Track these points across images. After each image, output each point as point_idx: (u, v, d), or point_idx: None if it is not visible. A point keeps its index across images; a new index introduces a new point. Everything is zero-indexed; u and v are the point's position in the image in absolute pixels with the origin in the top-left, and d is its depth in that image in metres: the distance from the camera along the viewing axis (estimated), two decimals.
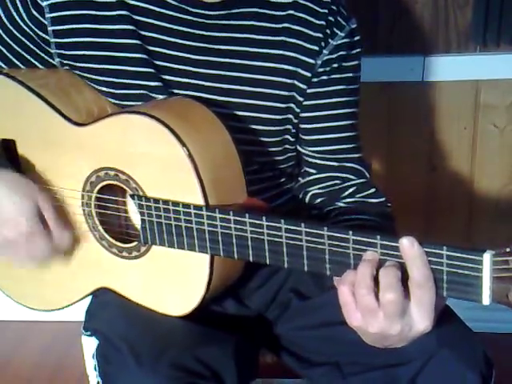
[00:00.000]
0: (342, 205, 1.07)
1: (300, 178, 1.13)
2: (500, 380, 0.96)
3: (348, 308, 0.78)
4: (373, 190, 1.08)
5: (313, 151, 1.08)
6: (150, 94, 1.01)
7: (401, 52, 1.63)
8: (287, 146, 1.08)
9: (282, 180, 1.11)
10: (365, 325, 0.78)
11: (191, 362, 0.91)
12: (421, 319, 0.75)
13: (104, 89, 1.03)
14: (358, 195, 1.07)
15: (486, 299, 0.72)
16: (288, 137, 1.07)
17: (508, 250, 0.69)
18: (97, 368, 1.01)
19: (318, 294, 1.08)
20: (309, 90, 1.03)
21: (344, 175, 1.08)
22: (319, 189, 1.09)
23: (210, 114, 0.95)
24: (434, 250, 0.73)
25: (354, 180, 1.08)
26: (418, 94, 1.68)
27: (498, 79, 1.65)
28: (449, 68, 1.64)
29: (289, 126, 1.06)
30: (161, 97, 1.01)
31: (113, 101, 1.03)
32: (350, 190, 1.07)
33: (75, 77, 1.04)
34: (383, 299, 0.74)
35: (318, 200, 1.09)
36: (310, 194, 1.10)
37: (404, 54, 1.63)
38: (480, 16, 1.56)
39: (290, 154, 1.09)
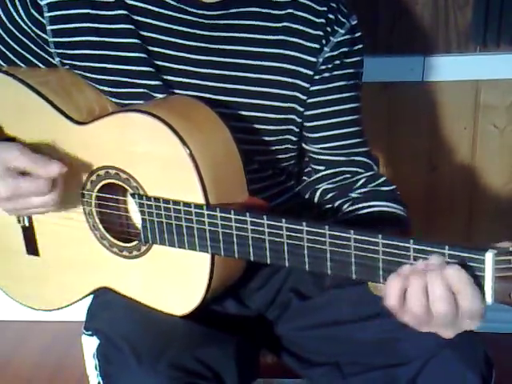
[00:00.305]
0: (355, 195, 1.06)
1: (306, 178, 1.13)
2: (500, 380, 0.96)
3: (396, 312, 0.78)
4: (383, 178, 1.08)
5: (320, 148, 1.07)
6: (151, 93, 1.00)
7: (401, 52, 1.63)
8: (289, 146, 1.07)
9: (283, 178, 1.11)
10: (415, 325, 0.78)
11: (192, 363, 0.91)
12: (470, 325, 0.76)
13: (104, 88, 1.03)
14: (369, 185, 1.07)
15: (488, 299, 0.72)
16: (290, 137, 1.06)
17: (511, 249, 0.69)
18: (97, 368, 1.01)
19: (318, 294, 1.09)
20: (311, 88, 1.03)
21: (353, 169, 1.07)
22: (329, 184, 1.08)
23: (211, 113, 0.95)
24: (435, 249, 0.73)
25: (363, 173, 1.08)
26: (418, 94, 1.68)
27: (498, 79, 1.65)
28: (449, 68, 1.64)
29: (291, 127, 1.05)
30: (161, 96, 1.00)
31: (114, 100, 1.03)
32: (361, 182, 1.07)
33: (76, 76, 1.04)
34: (434, 310, 0.74)
35: (330, 195, 1.08)
36: (320, 190, 1.09)
37: (404, 54, 1.63)
38: (480, 16, 1.56)
39: (291, 154, 1.09)
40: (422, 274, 0.73)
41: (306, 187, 1.13)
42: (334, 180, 1.08)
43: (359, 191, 1.06)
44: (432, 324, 0.76)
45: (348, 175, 1.07)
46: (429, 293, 0.73)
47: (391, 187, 1.08)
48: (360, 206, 1.04)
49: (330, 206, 1.08)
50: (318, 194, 1.10)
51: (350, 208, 1.04)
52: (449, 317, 0.74)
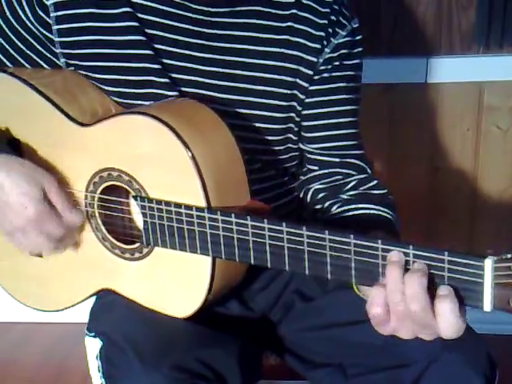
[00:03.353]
0: (345, 197, 1.07)
1: (301, 176, 1.13)
2: (503, 382, 0.96)
3: (378, 323, 0.78)
4: (375, 182, 1.08)
5: (314, 148, 1.08)
6: (157, 92, 1.01)
7: (404, 53, 1.63)
8: (290, 145, 1.08)
9: (285, 179, 1.12)
10: (396, 331, 0.78)
11: (195, 364, 0.91)
12: (445, 331, 0.75)
13: (110, 88, 1.03)
14: (360, 188, 1.07)
15: (487, 306, 0.71)
16: (291, 135, 1.07)
17: (509, 256, 0.69)
18: (100, 369, 1.01)
19: (321, 296, 1.09)
20: (310, 88, 1.04)
21: (346, 171, 1.08)
22: (321, 184, 1.09)
23: (214, 117, 0.95)
24: (435, 255, 0.73)
25: (355, 175, 1.08)
26: (421, 96, 1.68)
27: (501, 81, 1.65)
28: (452, 69, 1.64)
29: (291, 125, 1.06)
30: (167, 93, 1.01)
31: (119, 100, 1.03)
32: (352, 184, 1.07)
33: (80, 77, 1.04)
34: (408, 308, 0.74)
35: (321, 195, 1.09)
36: (312, 189, 1.10)
37: (407, 56, 1.64)
38: (483, 17, 1.56)
39: (292, 153, 1.10)
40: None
41: (300, 185, 1.13)
42: (326, 181, 1.08)
43: (349, 193, 1.07)
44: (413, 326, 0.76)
45: (340, 177, 1.08)
46: (405, 292, 0.74)
47: (382, 191, 1.08)
48: (348, 207, 1.04)
49: (320, 206, 1.09)
50: (310, 193, 1.10)
51: (339, 209, 1.05)
52: (423, 315, 0.74)
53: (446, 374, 0.93)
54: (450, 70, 1.64)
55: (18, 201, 0.92)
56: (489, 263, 0.70)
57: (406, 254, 0.75)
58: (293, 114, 1.05)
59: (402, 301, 0.74)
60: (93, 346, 1.06)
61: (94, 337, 1.06)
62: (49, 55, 1.04)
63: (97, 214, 0.99)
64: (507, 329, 1.84)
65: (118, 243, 0.99)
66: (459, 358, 0.92)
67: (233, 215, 0.86)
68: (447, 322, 0.72)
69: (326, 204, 1.07)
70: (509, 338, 1.83)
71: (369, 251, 0.76)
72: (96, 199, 0.98)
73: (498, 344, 1.24)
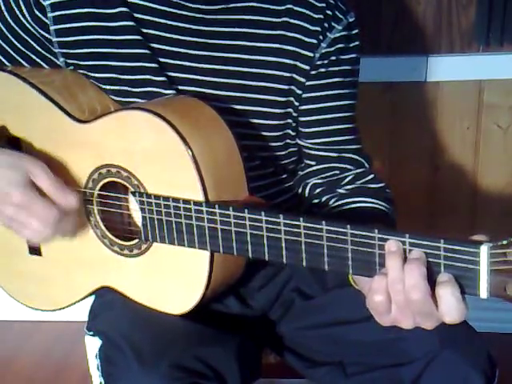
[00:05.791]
0: (342, 191, 1.07)
1: (300, 172, 1.13)
2: (503, 380, 0.96)
3: (380, 312, 0.78)
4: (371, 176, 1.08)
5: (312, 143, 1.08)
6: (154, 90, 1.01)
7: (403, 52, 1.63)
8: (288, 141, 1.08)
9: (284, 176, 1.11)
10: (397, 321, 0.78)
11: (194, 362, 0.91)
12: (447, 316, 0.74)
13: (108, 87, 1.03)
14: (357, 182, 1.07)
15: (483, 293, 0.71)
16: (289, 131, 1.07)
17: (505, 242, 0.69)
18: (99, 368, 1.01)
19: (321, 294, 1.09)
20: (307, 83, 1.04)
21: (343, 166, 1.08)
22: (319, 179, 1.09)
23: (213, 113, 0.95)
24: (431, 243, 0.73)
25: (352, 170, 1.08)
26: (421, 94, 1.68)
27: (501, 79, 1.65)
28: (452, 68, 1.64)
29: (289, 120, 1.06)
30: (164, 92, 1.01)
31: (116, 98, 1.03)
32: (349, 178, 1.07)
33: (79, 75, 1.05)
34: (409, 298, 0.74)
35: (318, 190, 1.09)
36: (309, 184, 1.10)
37: (407, 54, 1.63)
38: (483, 15, 1.56)
39: (291, 149, 1.09)
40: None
41: (298, 181, 1.13)
42: (324, 175, 1.08)
43: (346, 187, 1.07)
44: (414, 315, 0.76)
45: (337, 171, 1.08)
46: (405, 282, 0.74)
47: (379, 185, 1.08)
48: (344, 201, 1.04)
49: (317, 200, 1.09)
50: (307, 188, 1.10)
51: (336, 203, 1.05)
52: (425, 304, 0.74)
53: (446, 372, 0.93)
54: (449, 69, 1.64)
55: (2, 190, 0.91)
56: (484, 250, 0.70)
57: (403, 243, 0.75)
58: (290, 110, 1.05)
59: (403, 290, 0.74)
60: (92, 344, 1.07)
61: (93, 336, 1.06)
62: (48, 55, 1.05)
63: (96, 211, 0.99)
64: (507, 327, 1.84)
65: (117, 240, 0.99)
66: (459, 356, 0.92)
67: (231, 208, 0.86)
68: (449, 305, 0.72)
69: (323, 198, 1.07)
70: (509, 336, 1.83)
71: (365, 241, 0.77)
72: (95, 196, 0.98)
73: (498, 342, 1.24)
